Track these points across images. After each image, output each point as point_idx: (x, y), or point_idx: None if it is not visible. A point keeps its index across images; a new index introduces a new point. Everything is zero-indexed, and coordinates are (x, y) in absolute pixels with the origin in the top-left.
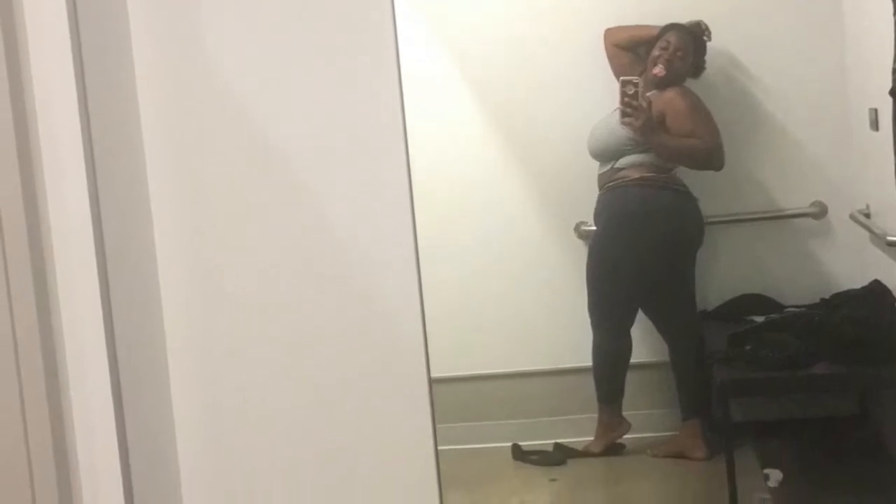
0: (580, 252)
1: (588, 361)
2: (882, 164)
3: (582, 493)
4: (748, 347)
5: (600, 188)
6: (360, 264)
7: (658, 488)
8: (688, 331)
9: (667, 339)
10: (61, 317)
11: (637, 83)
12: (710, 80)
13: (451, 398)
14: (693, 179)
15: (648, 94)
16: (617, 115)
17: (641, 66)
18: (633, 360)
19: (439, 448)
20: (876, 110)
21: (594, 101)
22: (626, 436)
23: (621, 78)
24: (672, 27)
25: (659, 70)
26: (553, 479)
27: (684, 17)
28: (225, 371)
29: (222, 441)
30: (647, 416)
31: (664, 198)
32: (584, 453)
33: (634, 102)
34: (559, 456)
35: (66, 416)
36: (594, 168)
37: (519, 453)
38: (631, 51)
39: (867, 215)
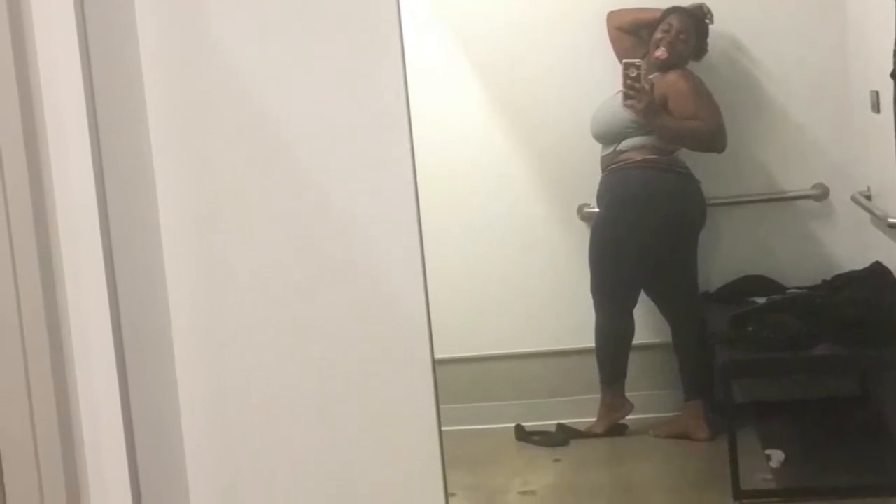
0: (583, 234)
1: (591, 343)
2: (883, 147)
3: (585, 474)
4: (750, 329)
5: (603, 170)
6: (364, 247)
7: (660, 469)
8: (690, 312)
9: (669, 321)
10: (67, 296)
11: (639, 66)
12: (712, 62)
13: (455, 379)
14: (695, 161)
15: (651, 76)
16: (619, 97)
17: (644, 49)
18: (636, 341)
19: (443, 429)
20: (877, 93)
21: (597, 83)
22: (628, 416)
23: (624, 61)
24: (674, 10)
25: (661, 53)
26: (556, 460)
27: (686, 0)
28: (229, 351)
29: (226, 420)
30: (650, 397)
31: (666, 180)
32: (587, 434)
33: (637, 85)
34: (562, 436)
35: (71, 395)
36: (597, 150)
37: (522, 434)
38: (633, 34)
39: (868, 197)
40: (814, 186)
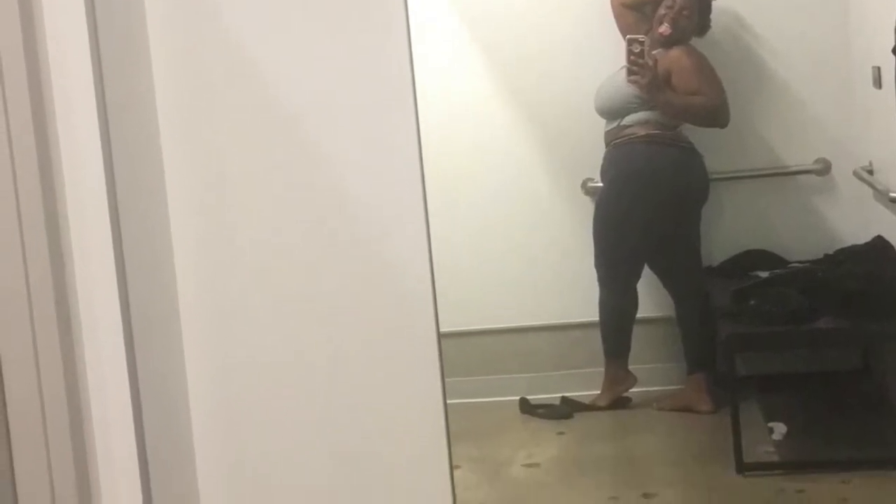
0: (587, 208)
1: (595, 316)
2: (885, 122)
3: (589, 446)
4: (752, 302)
5: (607, 145)
6: (371, 222)
7: (664, 441)
8: (693, 286)
9: (672, 295)
10: (75, 273)
11: (643, 42)
12: (715, 38)
13: (460, 353)
14: (698, 136)
15: (654, 52)
16: (623, 73)
17: (647, 25)
18: (640, 314)
19: (448, 402)
20: (879, 68)
21: (601, 59)
22: (632, 390)
23: (627, 37)
24: None
25: (665, 29)
26: (560, 433)
27: None
28: (236, 327)
29: (233, 395)
30: (653, 371)
31: (670, 154)
32: (590, 407)
33: (640, 61)
34: (566, 409)
35: (79, 371)
36: (601, 125)
37: (527, 407)
38: (637, 10)
39: (870, 172)
40: (816, 161)
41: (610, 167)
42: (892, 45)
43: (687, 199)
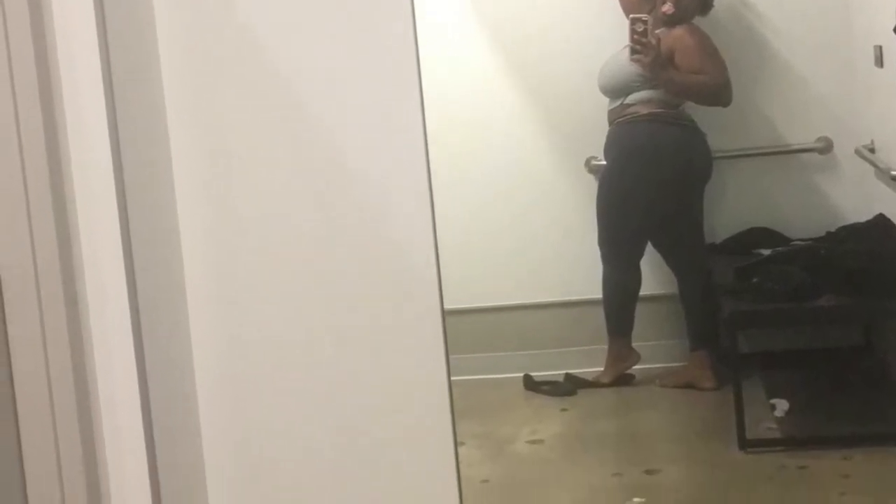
0: (590, 186)
1: (598, 294)
2: (886, 100)
3: (592, 423)
4: (755, 280)
5: (610, 124)
6: (375, 199)
7: (666, 418)
8: (696, 264)
9: (675, 272)
10: (82, 251)
11: (646, 21)
12: (718, 17)
13: (465, 330)
14: (701, 115)
15: (657, 31)
16: (627, 52)
17: (650, 4)
18: (643, 292)
19: (452, 378)
20: (880, 47)
21: (604, 38)
22: (635, 366)
23: (631, 16)
24: None
25: (668, 8)
26: (564, 409)
27: None
28: (241, 302)
29: (239, 371)
30: (656, 348)
31: (673, 133)
32: (594, 384)
33: (644, 40)
34: (570, 386)
35: (86, 347)
36: (604, 104)
37: (531, 384)
38: None
39: (872, 150)
40: (818, 140)
41: (613, 145)
42: (894, 24)
43: (690, 177)
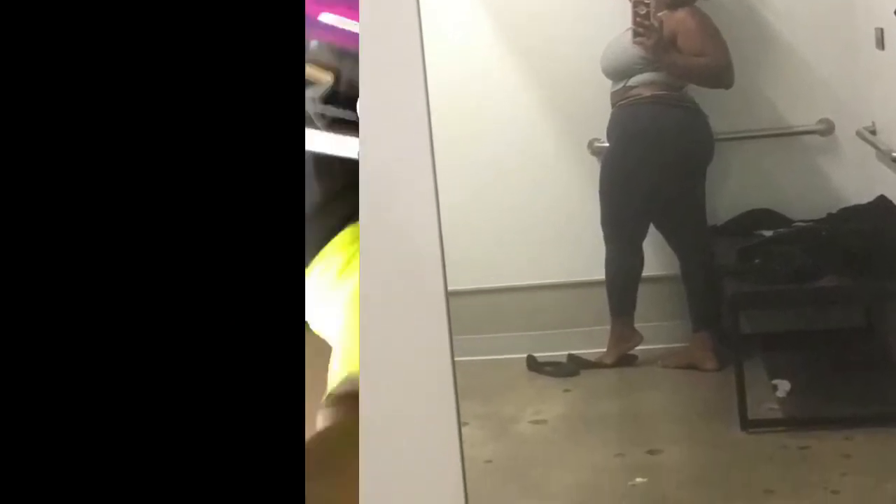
0: (593, 168)
1: (601, 275)
2: (888, 83)
3: (595, 403)
4: (757, 261)
5: (613, 106)
6: (378, 180)
7: (669, 398)
8: (698, 245)
9: (677, 253)
10: None
11: (649, 3)
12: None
13: (468, 311)
14: (703, 97)
15: (660, 13)
16: (629, 34)
17: None
18: (645, 273)
19: (456, 359)
20: (882, 29)
21: (607, 20)
22: (637, 347)
23: None
24: None
25: None
26: (567, 390)
27: None
28: None
29: None
30: (659, 328)
31: (675, 115)
32: (597, 364)
33: (646, 22)
34: (573, 367)
35: None
36: (607, 86)
37: (534, 364)
38: None
39: (873, 132)
40: (819, 122)
41: (616, 127)
42: (895, 7)
43: (692, 159)
